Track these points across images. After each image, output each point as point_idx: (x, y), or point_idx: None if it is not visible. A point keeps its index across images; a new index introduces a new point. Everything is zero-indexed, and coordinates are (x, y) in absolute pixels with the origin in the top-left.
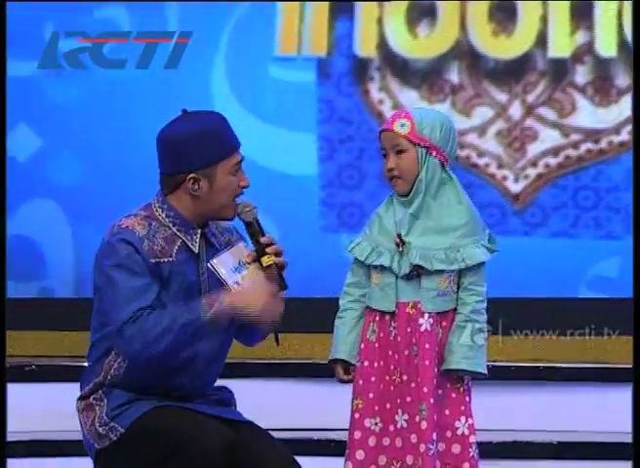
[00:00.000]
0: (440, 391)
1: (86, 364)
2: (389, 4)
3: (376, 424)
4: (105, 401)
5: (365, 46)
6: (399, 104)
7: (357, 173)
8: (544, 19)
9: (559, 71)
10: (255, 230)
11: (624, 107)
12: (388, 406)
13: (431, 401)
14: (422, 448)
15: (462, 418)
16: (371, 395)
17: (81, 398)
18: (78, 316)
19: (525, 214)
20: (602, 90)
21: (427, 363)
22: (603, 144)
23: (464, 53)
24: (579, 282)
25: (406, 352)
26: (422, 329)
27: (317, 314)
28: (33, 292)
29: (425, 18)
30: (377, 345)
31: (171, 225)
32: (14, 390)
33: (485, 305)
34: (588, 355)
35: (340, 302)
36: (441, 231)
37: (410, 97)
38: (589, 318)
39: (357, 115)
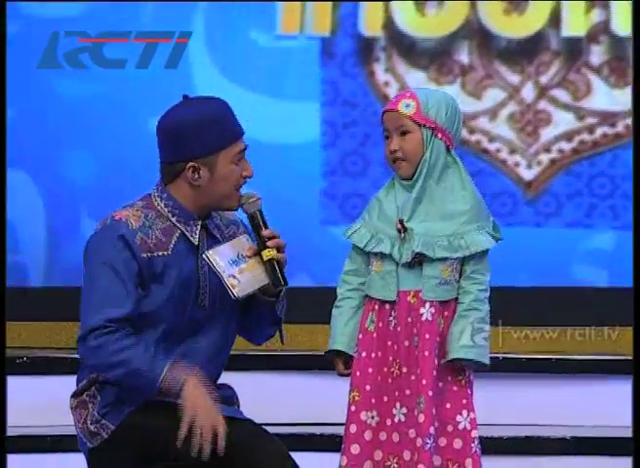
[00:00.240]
0: (441, 384)
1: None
2: None
3: (372, 418)
4: (98, 398)
5: (370, 25)
6: (406, 87)
7: (361, 159)
8: None
9: (574, 51)
10: (257, 222)
11: None
12: (386, 399)
13: (430, 393)
14: (419, 442)
15: (464, 412)
16: (368, 387)
17: (74, 395)
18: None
19: (538, 203)
20: (618, 70)
21: (427, 354)
22: (619, 128)
23: (475, 32)
24: (594, 273)
25: (406, 343)
26: (424, 318)
27: (321, 304)
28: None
29: None
30: (375, 335)
31: (170, 216)
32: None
33: (488, 294)
34: (605, 346)
35: (338, 291)
36: (444, 217)
37: (417, 79)
38: (606, 309)
39: (362, 98)
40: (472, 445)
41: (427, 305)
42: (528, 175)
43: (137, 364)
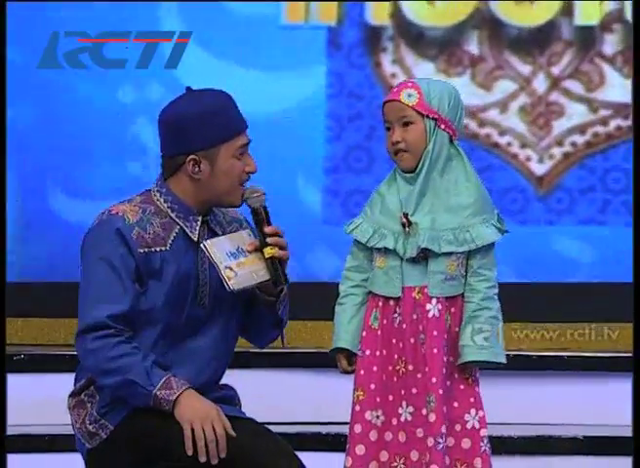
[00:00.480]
0: (448, 382)
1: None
2: None
3: (377, 417)
4: (97, 397)
5: (378, 14)
6: (413, 78)
7: (366, 154)
8: None
9: (587, 41)
10: (261, 218)
11: None
12: (391, 398)
13: (440, 392)
14: (431, 441)
15: (472, 411)
16: (372, 386)
17: (72, 395)
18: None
19: (550, 199)
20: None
21: (435, 351)
22: None
23: (485, 21)
24: (608, 271)
25: (412, 340)
26: (430, 315)
27: (327, 300)
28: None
29: None
30: (379, 333)
31: (169, 211)
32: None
33: (496, 290)
34: (621, 344)
35: (341, 288)
36: (449, 210)
37: (425, 70)
38: (622, 305)
39: (368, 90)
40: (481, 444)
41: (434, 301)
42: (539, 169)
43: (132, 374)
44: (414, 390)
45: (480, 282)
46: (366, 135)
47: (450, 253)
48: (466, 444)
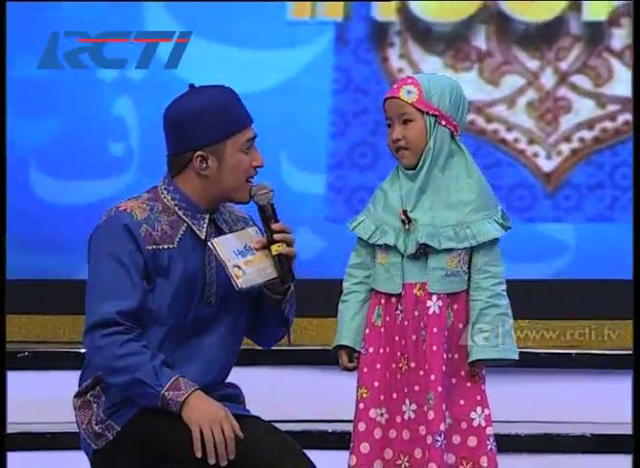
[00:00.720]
0: (454, 380)
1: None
2: None
3: (381, 415)
4: (103, 398)
5: (384, 10)
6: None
7: (370, 150)
8: None
9: (595, 35)
10: (268, 215)
11: None
12: (395, 395)
13: (439, 389)
14: (429, 439)
15: (478, 409)
16: (376, 383)
17: (78, 395)
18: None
19: (558, 195)
20: None
21: (435, 348)
22: None
23: (492, 16)
24: (616, 268)
25: (413, 337)
26: (431, 311)
27: (332, 298)
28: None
29: None
30: (382, 330)
31: (176, 209)
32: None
33: (504, 287)
34: (628, 342)
35: (344, 285)
36: (449, 206)
37: (432, 65)
38: (630, 303)
39: (374, 85)
40: (487, 442)
41: (435, 298)
42: (547, 165)
43: (141, 373)
44: (416, 387)
45: (486, 279)
46: (371, 130)
47: (450, 250)
48: (472, 442)
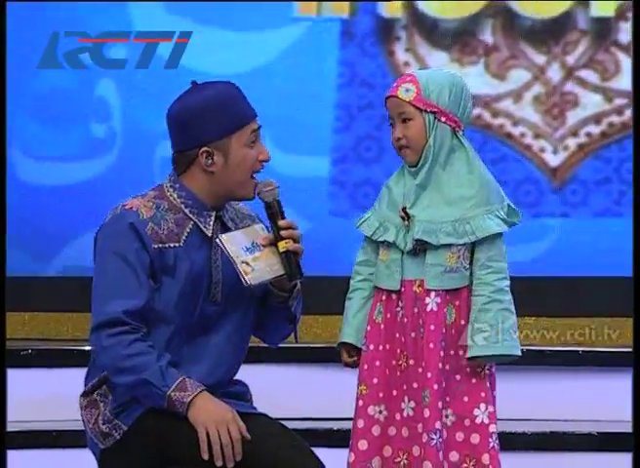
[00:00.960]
0: (458, 376)
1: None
2: None
3: (380, 412)
4: (110, 397)
5: (390, 7)
6: (426, 68)
7: (375, 144)
8: None
9: (602, 30)
10: (274, 212)
11: None
12: (394, 392)
13: (435, 387)
14: (425, 437)
15: (482, 406)
16: (375, 380)
17: (84, 394)
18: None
19: (564, 190)
20: None
21: (432, 346)
22: None
23: (499, 11)
24: (625, 264)
25: (412, 334)
26: (428, 308)
27: (338, 294)
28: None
29: None
30: (382, 327)
31: (183, 207)
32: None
33: (508, 282)
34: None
35: (351, 282)
36: (450, 202)
37: (439, 60)
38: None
39: (380, 79)
40: (490, 439)
41: (432, 295)
42: (554, 160)
43: (147, 374)
44: (415, 385)
45: (489, 274)
46: (376, 124)
47: (449, 246)
48: (475, 439)
